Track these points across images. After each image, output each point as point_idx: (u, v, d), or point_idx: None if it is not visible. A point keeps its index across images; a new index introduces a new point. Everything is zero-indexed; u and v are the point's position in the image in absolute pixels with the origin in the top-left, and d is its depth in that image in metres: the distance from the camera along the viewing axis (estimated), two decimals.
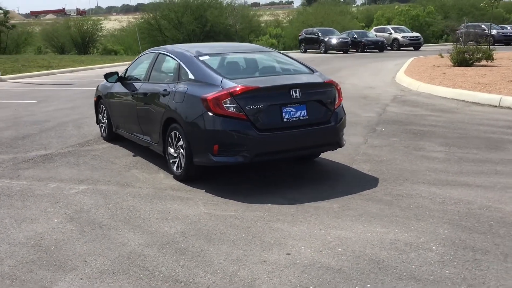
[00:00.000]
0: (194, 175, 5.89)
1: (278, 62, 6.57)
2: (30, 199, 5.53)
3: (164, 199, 5.44)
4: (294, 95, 5.55)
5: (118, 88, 7.53)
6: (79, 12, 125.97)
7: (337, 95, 5.99)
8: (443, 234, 4.39)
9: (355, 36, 36.40)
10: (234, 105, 5.37)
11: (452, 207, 5.04)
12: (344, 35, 36.30)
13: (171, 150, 6.08)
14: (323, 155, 6.99)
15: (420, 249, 4.12)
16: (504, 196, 5.32)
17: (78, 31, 40.70)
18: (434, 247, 4.14)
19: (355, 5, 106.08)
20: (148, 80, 6.80)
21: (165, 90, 6.17)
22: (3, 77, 20.28)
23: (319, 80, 5.96)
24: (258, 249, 4.17)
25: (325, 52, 34.67)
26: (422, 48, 36.86)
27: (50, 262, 4.01)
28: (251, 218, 4.86)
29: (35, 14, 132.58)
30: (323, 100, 5.81)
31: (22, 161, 7.12)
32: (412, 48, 36.53)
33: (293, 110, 5.59)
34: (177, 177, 6.05)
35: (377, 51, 35.28)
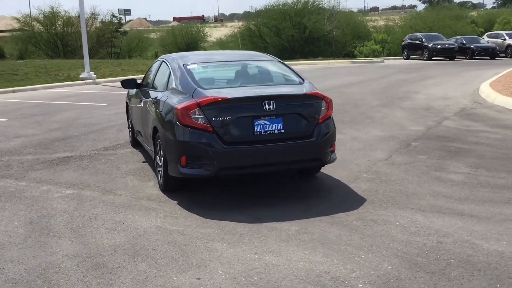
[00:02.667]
0: (173, 186, 5.78)
1: (268, 72, 6.27)
2: (14, 200, 5.74)
3: (131, 209, 5.39)
4: (267, 107, 5.24)
5: (135, 94, 7.65)
6: (216, 19, 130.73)
7: (323, 108, 5.57)
8: (384, 270, 3.89)
9: (464, 42, 34.16)
10: (202, 116, 5.19)
11: (422, 238, 4.47)
12: (450, 41, 34.23)
13: (158, 159, 6.04)
14: (327, 170, 6.56)
15: (343, 286, 3.67)
16: (493, 230, 4.62)
17: (183, 38, 42.45)
18: (360, 285, 3.68)
19: (482, 9, 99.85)
20: (151, 88, 6.83)
21: (155, 98, 6.15)
22: (98, 80, 21.63)
23: (300, 92, 5.59)
24: (174, 270, 3.96)
25: (429, 59, 32.88)
26: None
27: None
28: (196, 235, 4.65)
29: (177, 20, 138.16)
30: (303, 113, 5.43)
31: (41, 162, 7.46)
32: None
33: (267, 123, 5.29)
34: (160, 187, 5.98)
35: (488, 58, 32.80)
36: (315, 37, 38.43)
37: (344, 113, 11.38)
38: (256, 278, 3.81)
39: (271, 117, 5.29)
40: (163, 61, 6.79)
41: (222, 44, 44.90)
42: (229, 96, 5.25)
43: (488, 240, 4.40)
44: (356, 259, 4.08)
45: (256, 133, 5.25)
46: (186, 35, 42.65)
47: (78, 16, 40.64)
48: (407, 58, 35.45)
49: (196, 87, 5.48)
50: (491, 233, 4.56)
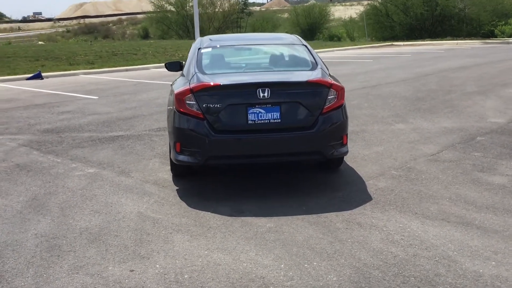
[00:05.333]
0: (178, 172, 5.74)
1: (281, 57, 5.91)
2: (38, 175, 6.08)
3: (130, 192, 5.44)
4: (262, 94, 4.93)
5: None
6: None
7: (331, 97, 5.11)
8: (325, 281, 3.50)
9: None
10: (194, 103, 5.05)
11: (398, 249, 3.95)
12: None
13: None
14: (355, 164, 6.10)
15: None
16: (491, 247, 3.95)
17: (305, 18, 42.05)
18: None
19: None
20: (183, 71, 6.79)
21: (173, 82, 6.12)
22: None
23: (302, 79, 5.17)
24: (117, 259, 3.91)
25: None
26: None
27: None
28: (167, 224, 4.56)
29: None
30: (303, 102, 5.03)
31: (91, 140, 7.82)
32: None
33: (262, 111, 4.98)
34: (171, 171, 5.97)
35: None
36: (447, 15, 35.84)
37: (427, 100, 10.50)
38: (186, 276, 3.63)
39: (267, 106, 4.97)
40: (193, 43, 6.70)
41: (346, 24, 43.82)
42: (221, 82, 5.02)
43: (474, 258, 3.76)
44: (305, 266, 3.72)
45: (249, 122, 4.98)
46: (308, 16, 42.19)
47: None
48: None
49: (196, 71, 5.33)
50: (486, 250, 3.89)
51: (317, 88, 5.09)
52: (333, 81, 5.18)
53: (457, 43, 29.93)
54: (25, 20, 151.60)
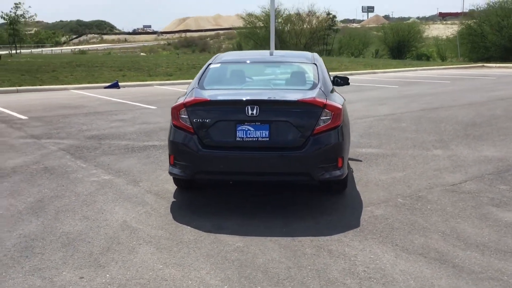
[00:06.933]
0: (182, 184, 5.82)
1: (285, 75, 5.81)
2: (57, 179, 6.41)
3: (128, 201, 5.58)
4: (250, 112, 4.90)
5: None
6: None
7: (324, 117, 4.96)
8: None
9: None
10: (186, 117, 5.12)
11: (352, 282, 3.75)
12: None
13: None
14: (363, 188, 5.88)
15: None
16: (449, 285, 3.64)
17: (393, 36, 41.01)
18: None
19: None
20: None
21: None
22: None
23: (293, 98, 5.06)
24: (74, 266, 4.03)
25: None
26: None
27: None
28: (142, 236, 4.63)
29: (442, 16, 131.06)
30: (293, 122, 4.93)
31: (124, 147, 8.13)
32: None
33: (251, 129, 4.95)
34: None
35: None
36: None
37: (483, 127, 9.88)
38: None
39: (256, 123, 4.93)
40: None
41: (437, 43, 42.22)
42: (210, 98, 5.06)
43: None
44: (243, 287, 3.63)
45: (237, 139, 4.96)
46: (397, 34, 41.10)
47: (297, 14, 42.69)
48: None
49: (196, 86, 5.41)
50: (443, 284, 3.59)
51: (309, 108, 4.97)
52: (327, 101, 5.03)
53: None
54: (133, 32, 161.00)
